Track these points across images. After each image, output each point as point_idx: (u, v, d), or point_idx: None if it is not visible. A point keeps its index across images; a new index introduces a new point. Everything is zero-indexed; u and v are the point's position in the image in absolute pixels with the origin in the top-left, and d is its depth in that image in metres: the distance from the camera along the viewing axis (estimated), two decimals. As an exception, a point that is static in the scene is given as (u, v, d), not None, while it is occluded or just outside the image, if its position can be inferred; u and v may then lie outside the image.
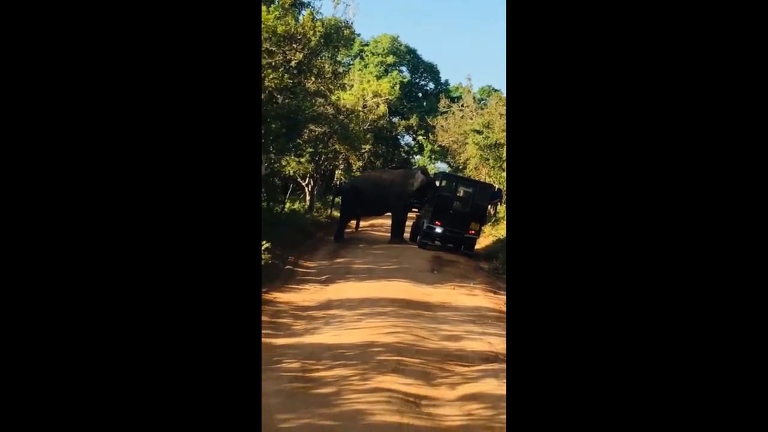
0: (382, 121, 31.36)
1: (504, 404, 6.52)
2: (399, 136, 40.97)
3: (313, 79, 18.81)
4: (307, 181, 26.64)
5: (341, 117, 23.46)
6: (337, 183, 30.03)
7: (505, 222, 25.46)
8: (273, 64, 14.88)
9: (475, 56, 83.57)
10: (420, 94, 42.75)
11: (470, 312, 11.37)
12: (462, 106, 33.40)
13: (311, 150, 23.54)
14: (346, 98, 26.41)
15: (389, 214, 20.89)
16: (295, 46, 15.55)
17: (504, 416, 6.23)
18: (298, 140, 21.17)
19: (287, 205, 25.80)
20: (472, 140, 26.41)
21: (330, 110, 22.52)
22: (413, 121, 38.50)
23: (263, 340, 8.75)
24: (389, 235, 20.59)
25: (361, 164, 30.50)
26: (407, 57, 42.20)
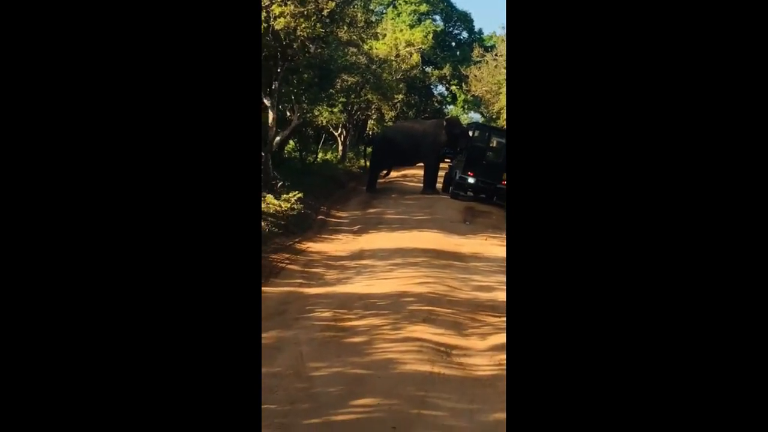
0: (414, 71, 31.13)
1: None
2: (432, 86, 40.61)
3: (345, 28, 18.66)
4: (339, 131, 26.63)
5: (374, 66, 23.30)
6: (370, 133, 29.96)
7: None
8: (305, 13, 14.75)
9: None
10: (453, 44, 42.22)
11: (502, 263, 11.34)
12: (496, 55, 32.93)
13: (344, 100, 23.48)
14: (379, 48, 26.23)
15: (421, 164, 20.83)
16: (327, -6, 15.39)
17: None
18: (331, 90, 21.11)
19: (320, 155, 25.84)
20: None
21: (362, 60, 22.37)
22: (446, 70, 38.10)
23: (296, 289, 8.84)
24: (421, 185, 20.56)
25: (393, 114, 30.39)
26: (441, 5, 41.60)
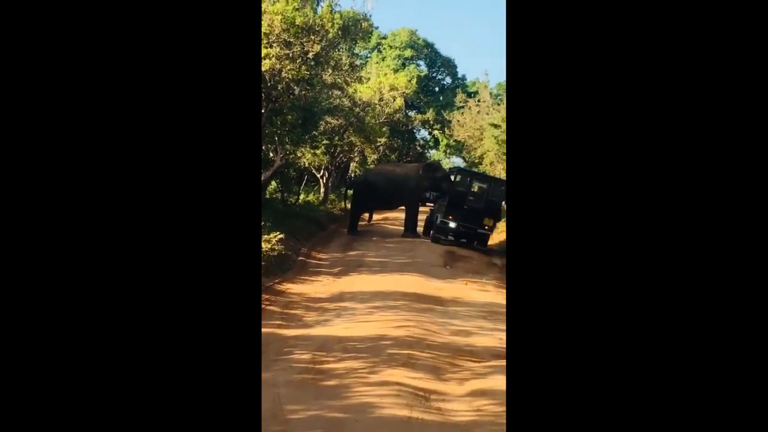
0: (398, 115, 31.30)
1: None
2: (415, 130, 40.82)
3: (330, 71, 18.80)
4: (321, 173, 26.66)
5: (357, 110, 23.43)
6: (352, 175, 30.03)
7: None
8: (291, 55, 14.88)
9: (492, 52, 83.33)
10: (437, 89, 42.60)
11: (482, 307, 11.37)
12: (478, 101, 33.27)
13: (327, 142, 23.53)
14: (363, 91, 26.40)
15: (402, 207, 20.88)
16: (312, 37, 15.52)
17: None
18: (314, 132, 21.17)
19: (302, 196, 25.85)
20: (491, 134, 26.27)
21: (346, 103, 22.50)
22: (429, 115, 38.35)
23: (275, 330, 8.78)
24: (402, 228, 20.58)
25: (376, 157, 30.49)
26: (425, 51, 42.06)
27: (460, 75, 43.67)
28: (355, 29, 18.53)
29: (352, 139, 24.96)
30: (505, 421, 5.93)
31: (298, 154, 21.96)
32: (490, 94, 34.83)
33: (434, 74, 43.13)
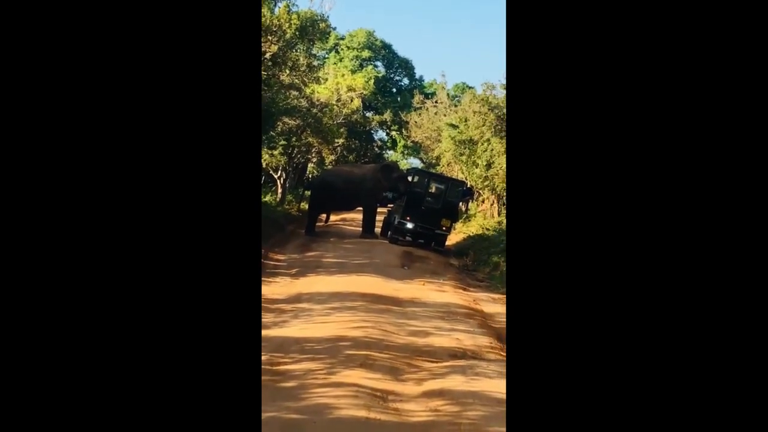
0: (355, 116, 31.35)
1: (470, 401, 6.58)
2: (372, 131, 40.88)
3: (287, 71, 18.78)
4: (279, 174, 26.55)
5: (315, 110, 23.42)
6: (310, 176, 29.97)
7: (475, 219, 25.54)
8: (247, 55, 14.81)
9: (449, 53, 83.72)
10: (394, 90, 42.72)
11: (439, 308, 11.40)
12: (436, 102, 33.43)
13: (284, 143, 23.47)
14: (321, 92, 26.38)
15: (360, 208, 20.88)
16: (270, 38, 15.49)
17: (470, 413, 6.27)
18: (271, 132, 21.10)
19: (259, 197, 25.74)
20: (448, 134, 26.36)
21: (304, 103, 22.47)
22: (387, 116, 38.46)
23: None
24: (360, 229, 20.58)
25: (333, 158, 30.49)
26: (382, 52, 42.14)
27: (417, 76, 43.86)
28: (313, 30, 18.50)
29: (310, 139, 24.93)
30: (462, 421, 5.98)
31: (256, 155, 21.86)
32: (447, 95, 35.01)
33: (392, 75, 43.25)
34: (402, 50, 67.66)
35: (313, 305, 10.71)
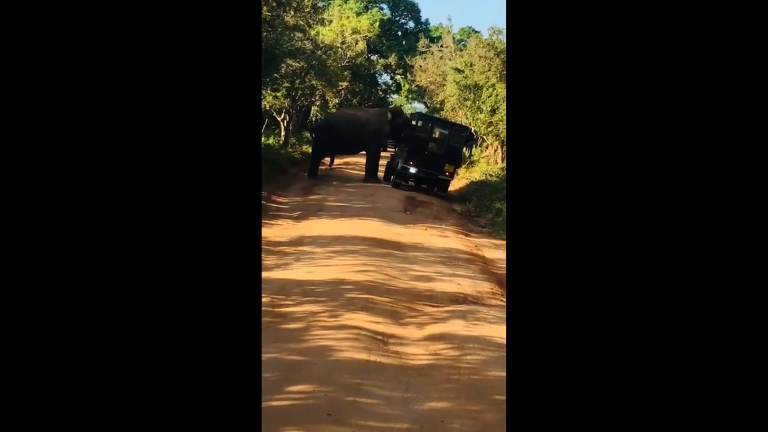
0: (360, 59, 31.12)
1: (471, 345, 6.63)
2: (377, 75, 40.61)
3: (292, 12, 18.57)
4: (282, 117, 26.43)
5: (319, 53, 23.18)
6: (313, 119, 29.85)
7: (478, 165, 25.49)
8: (251, -5, 14.61)
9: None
10: (399, 33, 42.25)
11: (441, 253, 11.44)
12: (441, 46, 33.08)
13: (288, 85, 23.29)
14: (325, 34, 26.15)
15: (363, 152, 20.83)
16: (274, -23, 15.26)
17: (470, 357, 6.32)
18: (275, 74, 20.93)
19: (262, 139, 25.65)
20: (452, 79, 26.14)
21: (308, 45, 22.23)
22: (392, 59, 38.15)
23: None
24: (363, 173, 20.56)
25: (337, 101, 30.32)
26: (388, -7, 41.66)
27: (423, 19, 43.36)
28: (318, -31, 18.24)
29: (314, 82, 24.74)
30: (461, 365, 6.03)
31: (259, 97, 21.74)
32: (453, 39, 34.63)
33: (397, 18, 42.75)
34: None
35: (315, 248, 10.75)
